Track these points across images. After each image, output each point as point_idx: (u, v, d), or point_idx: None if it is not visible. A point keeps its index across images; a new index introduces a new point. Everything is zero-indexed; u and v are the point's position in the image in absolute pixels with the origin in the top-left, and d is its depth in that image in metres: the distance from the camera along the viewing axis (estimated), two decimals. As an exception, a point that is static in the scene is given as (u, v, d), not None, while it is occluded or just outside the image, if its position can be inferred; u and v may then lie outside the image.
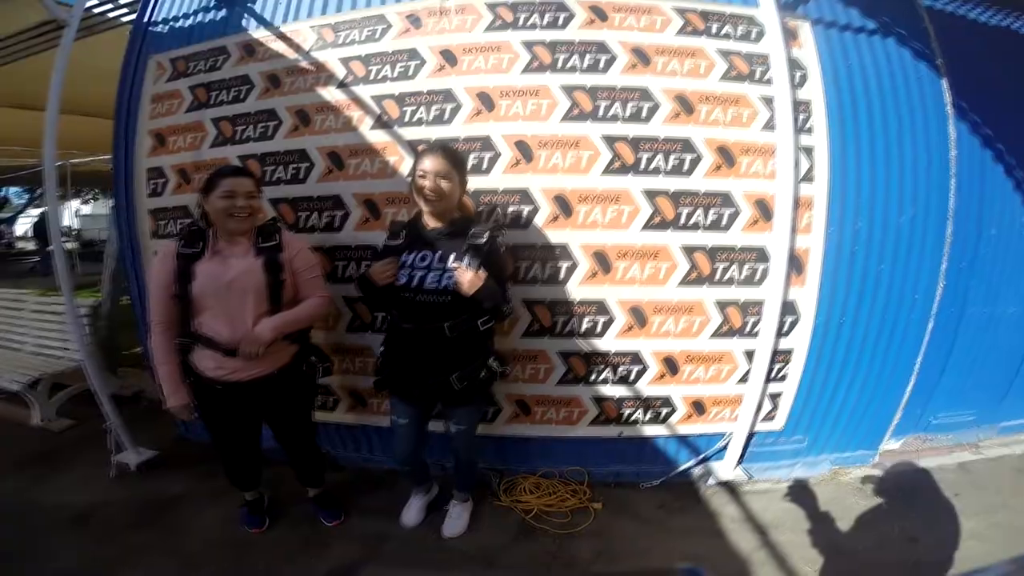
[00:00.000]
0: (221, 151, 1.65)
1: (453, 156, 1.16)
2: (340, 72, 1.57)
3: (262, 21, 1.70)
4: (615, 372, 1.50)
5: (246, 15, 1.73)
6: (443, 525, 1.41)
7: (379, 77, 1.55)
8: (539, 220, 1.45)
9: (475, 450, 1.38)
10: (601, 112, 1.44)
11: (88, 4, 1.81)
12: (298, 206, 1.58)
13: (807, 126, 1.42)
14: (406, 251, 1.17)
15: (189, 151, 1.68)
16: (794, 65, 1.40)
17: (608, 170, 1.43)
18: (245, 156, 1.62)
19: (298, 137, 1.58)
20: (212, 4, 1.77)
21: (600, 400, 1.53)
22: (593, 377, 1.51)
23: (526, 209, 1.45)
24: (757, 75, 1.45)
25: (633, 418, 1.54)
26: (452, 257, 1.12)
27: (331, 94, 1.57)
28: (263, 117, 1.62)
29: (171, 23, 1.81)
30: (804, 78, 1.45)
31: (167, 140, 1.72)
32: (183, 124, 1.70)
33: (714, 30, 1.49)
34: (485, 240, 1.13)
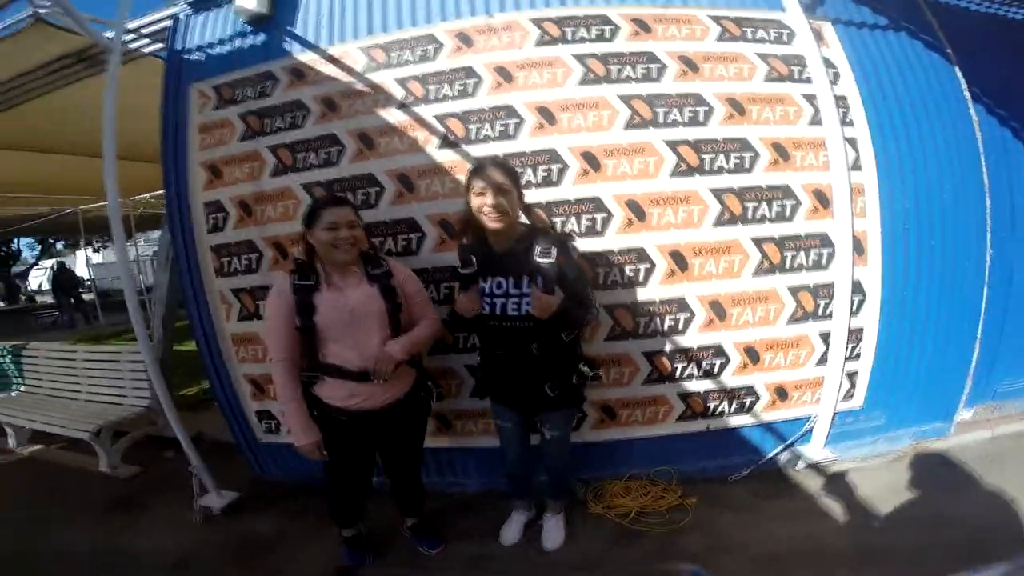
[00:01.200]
0: (283, 180, 1.64)
1: (506, 169, 1.15)
2: (398, 93, 1.59)
3: (307, 44, 1.70)
4: (699, 367, 1.55)
5: (287, 38, 1.73)
6: (541, 538, 1.42)
7: (439, 96, 1.58)
8: (614, 226, 1.51)
9: (568, 457, 1.40)
10: (661, 118, 1.52)
11: (127, 26, 1.73)
12: (372, 231, 1.57)
13: (847, 119, 1.54)
14: (481, 278, 1.18)
15: (248, 182, 1.66)
16: (828, 63, 1.52)
17: (675, 172, 1.50)
18: (309, 184, 1.62)
19: (364, 161, 1.59)
20: (248, 29, 1.75)
21: (686, 396, 1.59)
22: (678, 374, 1.56)
23: (600, 217, 1.51)
24: (796, 75, 1.56)
25: (719, 410, 1.60)
26: (526, 281, 1.12)
27: (392, 115, 1.59)
28: (324, 143, 1.62)
29: (207, 50, 1.78)
30: (837, 75, 1.57)
31: (222, 172, 1.68)
32: (238, 154, 1.67)
33: (749, 35, 1.60)
34: (554, 254, 1.10)
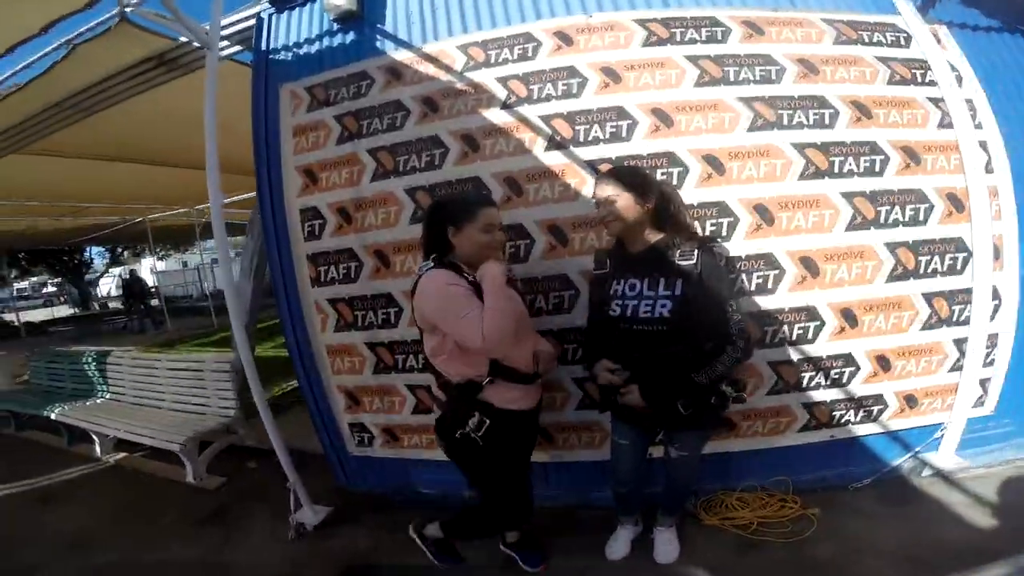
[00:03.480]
0: (384, 184, 1.57)
1: (617, 176, 1.12)
2: (500, 93, 1.53)
3: (400, 42, 1.64)
4: (827, 376, 1.49)
5: (379, 36, 1.67)
6: (655, 553, 1.35)
7: (543, 96, 1.52)
8: (740, 231, 1.44)
9: (695, 477, 1.32)
10: (785, 120, 1.46)
11: (224, 22, 1.67)
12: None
13: (976, 122, 1.49)
14: (614, 280, 1.14)
15: (347, 187, 1.59)
16: (951, 67, 1.48)
17: (804, 176, 1.45)
18: (412, 188, 1.55)
19: (469, 164, 1.52)
20: (336, 27, 1.69)
21: (810, 406, 1.52)
22: (804, 383, 1.49)
23: (726, 221, 1.45)
24: (919, 78, 1.52)
25: (844, 419, 1.53)
26: (662, 283, 1.07)
27: (496, 116, 1.53)
28: (426, 145, 1.55)
29: (294, 49, 1.72)
30: (960, 78, 1.52)
31: (319, 176, 1.61)
32: (335, 158, 1.60)
33: (866, 38, 1.55)
34: (696, 257, 1.05)
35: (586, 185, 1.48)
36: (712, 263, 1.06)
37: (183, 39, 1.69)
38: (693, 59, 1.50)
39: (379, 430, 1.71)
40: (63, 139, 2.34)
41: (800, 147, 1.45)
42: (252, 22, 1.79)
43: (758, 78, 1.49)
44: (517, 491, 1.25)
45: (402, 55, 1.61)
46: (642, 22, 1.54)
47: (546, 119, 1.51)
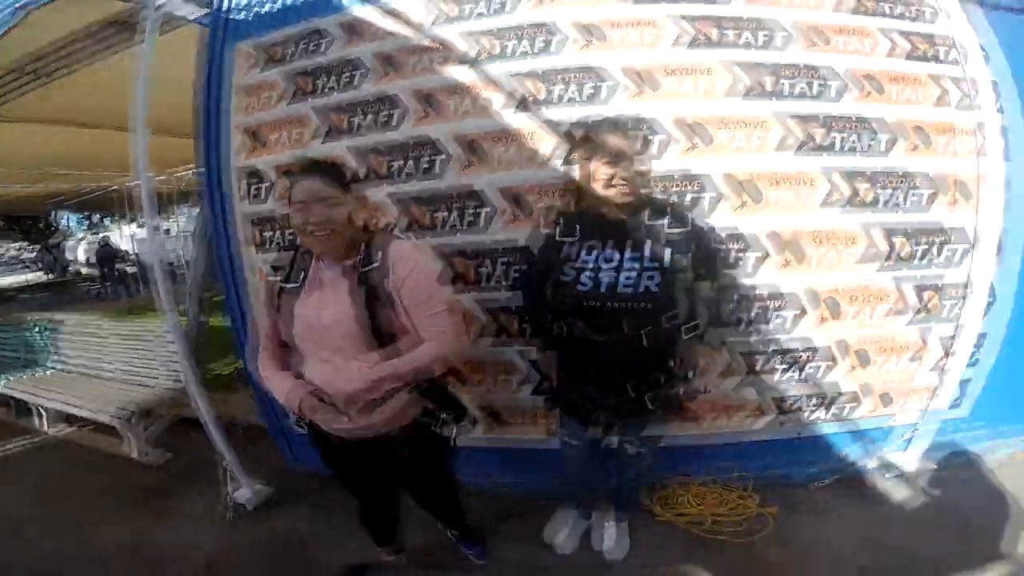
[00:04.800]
0: (333, 146, 1.44)
1: (626, 132, 0.98)
2: (469, 49, 1.39)
3: None
4: (801, 368, 1.38)
5: None
6: (604, 547, 1.28)
7: (515, 53, 1.37)
8: (723, 209, 1.31)
9: (649, 472, 1.23)
10: (784, 90, 1.31)
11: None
12: (432, 204, 1.39)
13: (999, 107, 1.31)
14: (583, 250, 0.98)
15: (294, 148, 1.46)
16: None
17: (797, 150, 1.30)
18: (365, 149, 1.42)
19: (427, 125, 1.39)
20: None
21: (776, 398, 1.42)
22: (775, 375, 1.39)
23: (707, 197, 1.31)
24: (941, 55, 1.35)
25: (814, 416, 1.44)
26: (647, 252, 0.93)
27: (462, 74, 1.38)
28: (383, 105, 1.41)
29: (255, 8, 1.57)
30: (986, 58, 1.35)
31: (265, 137, 1.49)
32: (284, 118, 1.47)
33: (884, 10, 1.36)
34: (690, 222, 0.95)
35: (559, 149, 1.34)
36: (708, 235, 0.97)
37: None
38: (689, 19, 1.34)
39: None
40: (30, 104, 2.22)
41: (795, 119, 1.30)
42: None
43: (760, 44, 1.32)
44: (361, 506, 1.14)
45: (364, 10, 1.45)
46: None
47: (518, 78, 1.36)
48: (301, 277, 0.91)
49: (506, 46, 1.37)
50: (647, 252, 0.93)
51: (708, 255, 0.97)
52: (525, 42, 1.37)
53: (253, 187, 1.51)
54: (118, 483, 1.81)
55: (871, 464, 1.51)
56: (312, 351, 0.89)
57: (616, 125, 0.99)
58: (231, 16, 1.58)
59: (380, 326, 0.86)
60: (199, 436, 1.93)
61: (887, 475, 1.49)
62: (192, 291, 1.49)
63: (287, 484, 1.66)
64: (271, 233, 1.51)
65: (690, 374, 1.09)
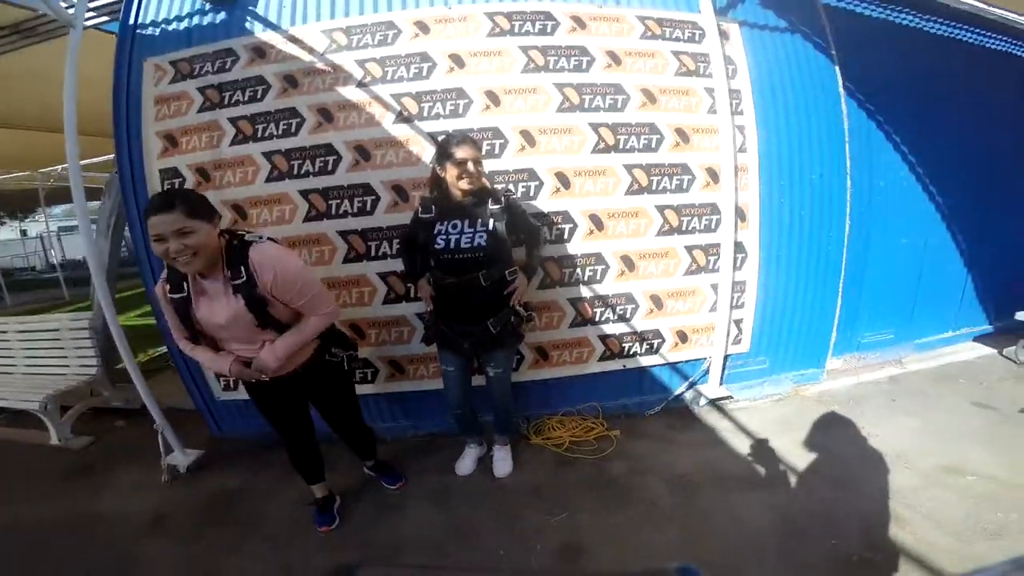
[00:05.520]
0: (243, 148, 1.76)
1: (475, 142, 1.38)
2: (357, 73, 1.75)
3: (268, 24, 1.81)
4: (614, 311, 1.87)
5: (249, 18, 1.83)
6: (493, 468, 1.65)
7: (396, 77, 1.75)
8: (545, 193, 1.77)
9: (510, 394, 1.61)
10: (587, 104, 1.78)
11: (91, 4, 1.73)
12: (329, 195, 1.75)
13: (739, 109, 1.87)
14: (438, 222, 1.38)
15: (207, 150, 1.77)
16: (728, 61, 1.84)
17: (595, 150, 1.78)
18: (270, 152, 1.75)
19: (323, 133, 1.75)
20: (207, 8, 1.83)
21: (604, 338, 1.89)
22: (597, 318, 1.86)
23: (534, 184, 1.77)
24: (701, 70, 1.87)
25: (632, 351, 1.92)
26: (480, 222, 1.36)
27: (352, 93, 1.75)
28: (285, 115, 1.75)
29: (162, 26, 1.84)
30: (735, 71, 1.89)
31: (179, 141, 1.78)
32: (196, 124, 1.77)
33: (667, 34, 1.86)
34: (504, 203, 1.37)
35: (426, 152, 1.74)
36: (516, 205, 1.42)
37: (41, 12, 1.70)
38: (524, 49, 1.77)
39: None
40: None
41: (595, 126, 1.78)
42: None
43: (572, 67, 1.79)
44: (289, 445, 1.34)
45: (269, 36, 1.78)
46: (491, 15, 1.78)
47: (397, 97, 1.75)
48: (186, 287, 1.05)
49: (387, 71, 1.75)
50: (479, 221, 1.35)
51: (516, 221, 1.41)
52: (403, 68, 1.76)
53: (167, 183, 1.77)
54: (45, 465, 1.86)
55: (688, 394, 1.99)
56: (224, 338, 1.11)
57: (464, 137, 1.37)
58: (139, 31, 1.78)
59: (269, 318, 1.08)
60: (118, 424, 2.11)
61: (701, 403, 1.97)
62: (100, 286, 1.57)
63: (214, 450, 1.84)
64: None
65: (532, 314, 1.56)
